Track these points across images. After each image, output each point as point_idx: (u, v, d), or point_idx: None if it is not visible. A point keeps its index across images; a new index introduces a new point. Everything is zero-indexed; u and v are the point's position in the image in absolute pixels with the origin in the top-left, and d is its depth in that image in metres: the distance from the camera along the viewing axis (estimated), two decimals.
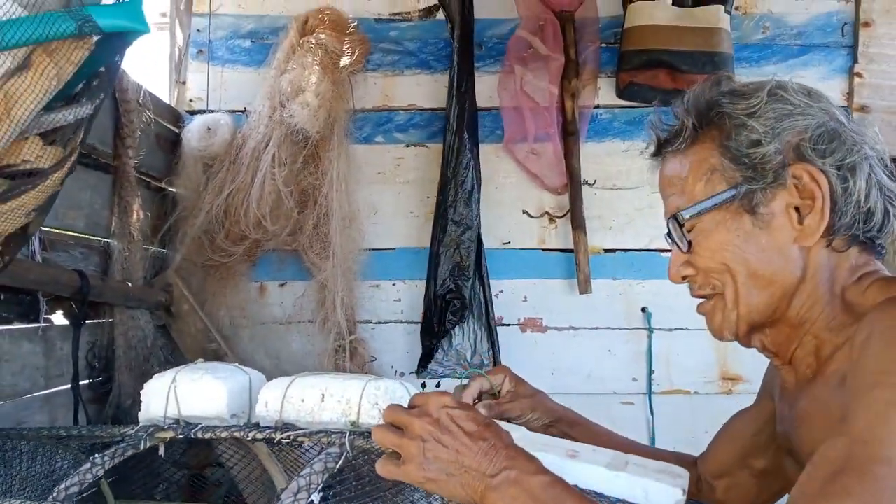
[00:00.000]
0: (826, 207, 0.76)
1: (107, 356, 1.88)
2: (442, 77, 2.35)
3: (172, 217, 2.23)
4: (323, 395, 0.94)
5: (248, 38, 2.42)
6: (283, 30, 2.32)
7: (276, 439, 0.90)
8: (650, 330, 2.27)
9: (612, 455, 0.83)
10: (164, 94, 2.38)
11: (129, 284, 1.90)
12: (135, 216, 1.98)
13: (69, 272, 1.63)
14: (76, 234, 1.80)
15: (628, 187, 2.33)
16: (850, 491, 0.59)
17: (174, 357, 2.08)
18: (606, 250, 2.33)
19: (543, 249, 2.35)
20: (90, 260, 1.87)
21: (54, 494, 0.87)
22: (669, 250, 0.89)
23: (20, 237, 0.70)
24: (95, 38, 0.61)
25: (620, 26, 2.30)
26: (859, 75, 2.34)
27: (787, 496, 0.72)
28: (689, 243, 0.83)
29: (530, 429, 0.98)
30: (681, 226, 0.84)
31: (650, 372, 2.25)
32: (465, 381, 1.00)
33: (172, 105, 2.38)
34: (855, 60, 2.35)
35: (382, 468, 0.75)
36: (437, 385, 2.20)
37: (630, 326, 2.29)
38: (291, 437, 0.89)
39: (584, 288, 2.25)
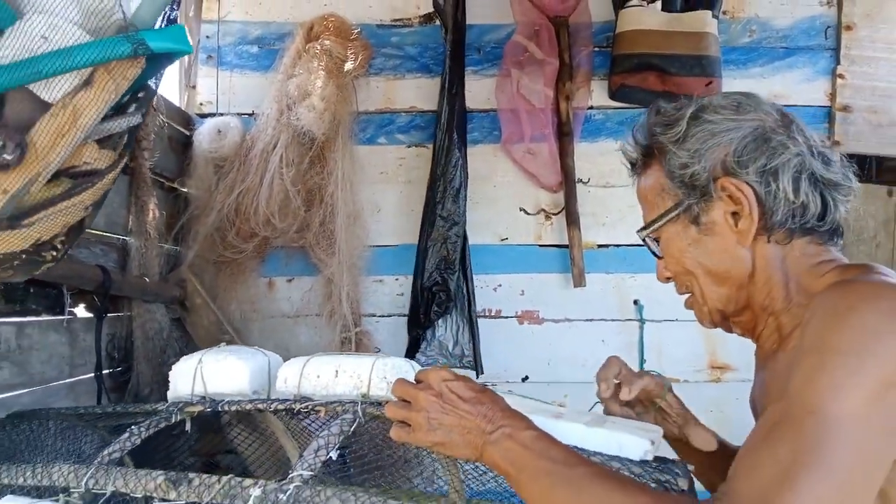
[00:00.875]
0: (754, 211, 0.85)
1: (126, 347, 1.99)
2: (440, 81, 2.45)
3: (185, 216, 2.33)
4: (336, 371, 1.05)
5: (256, 44, 2.53)
6: (289, 36, 2.42)
7: (296, 409, 1.00)
8: (642, 321, 2.38)
9: (593, 415, 0.93)
10: (175, 98, 2.49)
11: (147, 279, 2.01)
12: (151, 215, 2.08)
13: (93, 267, 1.74)
14: (97, 232, 1.91)
15: (621, 185, 2.43)
16: (783, 437, 0.69)
17: (188, 348, 2.18)
18: (600, 245, 2.43)
19: (540, 245, 2.46)
20: (109, 256, 1.97)
21: (98, 459, 0.97)
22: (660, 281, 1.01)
23: (77, 229, 0.80)
24: (144, 58, 0.71)
25: (612, 31, 2.40)
26: (842, 76, 2.44)
27: None
28: (659, 253, 0.95)
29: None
30: (647, 241, 0.96)
31: (642, 361, 2.35)
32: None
33: (183, 109, 2.49)
34: (837, 62, 2.45)
35: (396, 434, 0.86)
36: None
37: (623, 318, 2.39)
38: (310, 407, 0.99)
39: (579, 282, 2.35)
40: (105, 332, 1.90)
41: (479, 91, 2.47)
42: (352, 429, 0.90)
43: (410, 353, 2.28)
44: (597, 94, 2.47)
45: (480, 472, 1.08)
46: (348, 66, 2.30)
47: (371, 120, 2.49)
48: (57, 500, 0.92)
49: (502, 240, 2.46)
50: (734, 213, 0.88)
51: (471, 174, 2.38)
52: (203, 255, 2.30)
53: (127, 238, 2.05)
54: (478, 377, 2.25)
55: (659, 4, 2.32)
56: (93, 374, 1.80)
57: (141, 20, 0.70)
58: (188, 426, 1.14)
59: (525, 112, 2.41)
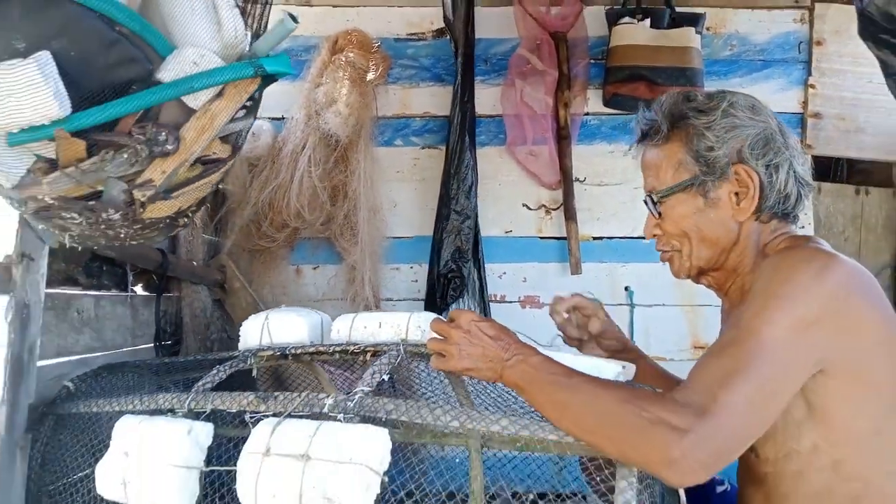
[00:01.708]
0: (756, 195, 1.08)
1: (176, 322, 2.25)
2: (451, 89, 2.72)
3: (223, 209, 2.60)
4: (380, 324, 1.31)
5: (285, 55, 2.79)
6: (314, 48, 2.69)
7: (350, 350, 1.26)
8: (632, 306, 2.65)
9: (576, 351, 1.19)
10: None
11: (194, 263, 2.28)
12: None
13: (154, 250, 2.01)
14: None
15: (613, 183, 2.71)
16: (729, 352, 0.95)
17: (228, 326, 2.45)
18: (595, 238, 2.70)
19: (540, 237, 2.73)
20: (162, 243, 2.23)
21: (195, 388, 1.23)
22: (646, 238, 1.25)
23: (201, 203, 1.05)
24: (260, 78, 0.97)
25: (606, 45, 2.68)
26: (813, 87, 2.72)
27: None
28: (660, 213, 1.17)
29: (602, 349, 1.34)
30: (654, 202, 1.17)
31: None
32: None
33: None
34: (809, 74, 2.72)
35: (435, 364, 1.11)
36: None
37: (615, 303, 2.66)
38: (361, 348, 1.25)
39: (576, 270, 2.62)
40: (161, 309, 2.16)
41: (486, 98, 2.74)
42: (397, 361, 1.17)
43: None
44: (592, 102, 2.74)
45: None
46: (370, 75, 2.58)
47: (389, 124, 2.77)
48: (166, 415, 1.18)
49: (507, 232, 2.73)
50: (737, 194, 1.09)
51: (479, 173, 2.66)
52: (239, 244, 2.57)
53: None
54: None
55: (648, 22, 2.60)
56: (152, 344, 2.06)
57: (259, 50, 0.96)
58: (255, 373, 1.40)
59: (528, 118, 2.68)
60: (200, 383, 1.25)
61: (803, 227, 2.71)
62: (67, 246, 1.01)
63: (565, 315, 1.36)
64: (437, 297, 2.53)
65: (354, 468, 0.94)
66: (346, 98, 2.50)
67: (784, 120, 2.66)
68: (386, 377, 1.12)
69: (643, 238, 1.30)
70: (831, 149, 2.73)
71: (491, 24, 2.73)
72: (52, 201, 0.89)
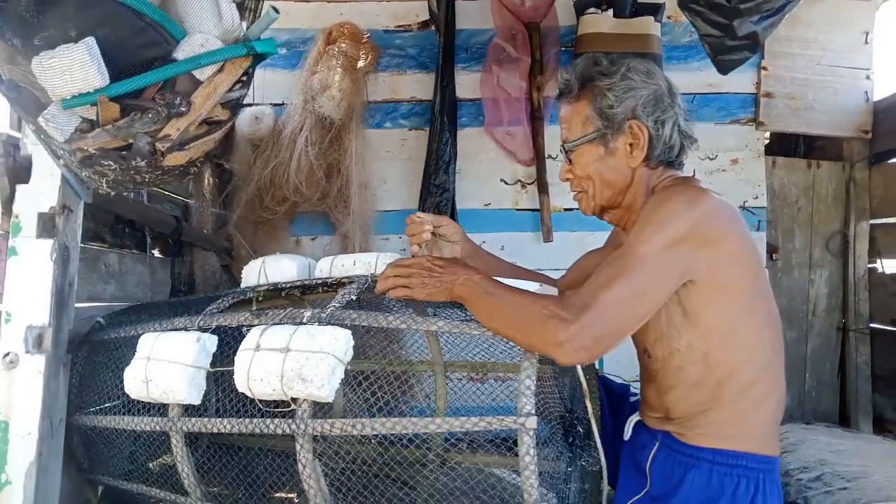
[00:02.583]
0: (645, 145, 1.32)
1: (188, 283, 2.55)
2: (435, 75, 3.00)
3: (230, 186, 2.89)
4: (354, 262, 1.60)
5: (284, 47, 3.08)
6: (311, 40, 2.97)
7: (331, 281, 1.54)
8: None
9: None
10: None
11: (205, 231, 2.57)
12: (206, 182, 2.65)
13: (169, 216, 2.31)
14: (167, 193, 2.47)
15: None
16: (612, 265, 1.20)
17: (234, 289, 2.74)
18: (566, 209, 2.97)
19: (516, 209, 3.01)
20: (176, 213, 2.53)
21: (205, 311, 1.52)
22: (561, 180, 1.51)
23: (208, 156, 1.33)
24: (252, 56, 1.25)
25: (575, 33, 2.94)
26: (765, 69, 2.97)
27: None
28: (571, 160, 1.43)
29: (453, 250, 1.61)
30: (566, 150, 1.42)
31: None
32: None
33: None
34: (762, 57, 2.97)
35: (398, 294, 1.37)
36: None
37: None
38: (340, 279, 1.53)
39: (548, 238, 2.90)
40: (175, 270, 2.46)
41: (467, 84, 3.01)
42: (364, 286, 1.45)
43: None
44: None
45: None
46: (360, 63, 2.85)
47: (379, 108, 3.05)
48: (179, 331, 1.47)
49: (486, 205, 3.01)
50: (631, 145, 1.33)
51: (460, 152, 2.94)
52: (245, 217, 2.86)
53: (188, 200, 2.61)
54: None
55: (611, 12, 2.86)
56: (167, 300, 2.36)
57: (252, 34, 1.24)
58: (254, 306, 1.69)
59: (504, 101, 2.95)
60: (208, 308, 1.54)
61: (756, 197, 2.96)
62: (105, 191, 1.29)
63: (426, 237, 1.57)
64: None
65: (323, 356, 1.22)
66: (338, 84, 2.78)
67: (739, 99, 2.99)
68: (354, 297, 1.40)
69: None
70: (783, 125, 2.98)
71: (470, 16, 3.00)
72: (94, 151, 1.17)
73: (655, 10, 2.85)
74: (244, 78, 1.29)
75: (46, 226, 1.53)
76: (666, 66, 2.89)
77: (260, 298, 1.65)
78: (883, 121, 2.95)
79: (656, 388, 1.35)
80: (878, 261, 3.00)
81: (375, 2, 3.07)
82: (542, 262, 2.93)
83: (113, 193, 1.37)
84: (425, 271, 1.34)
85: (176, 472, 1.45)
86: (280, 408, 1.30)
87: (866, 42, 2.99)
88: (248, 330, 1.39)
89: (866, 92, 2.99)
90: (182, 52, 1.19)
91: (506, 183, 3.02)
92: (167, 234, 2.33)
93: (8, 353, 1.51)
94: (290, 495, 1.57)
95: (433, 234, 1.59)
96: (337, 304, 1.38)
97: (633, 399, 1.61)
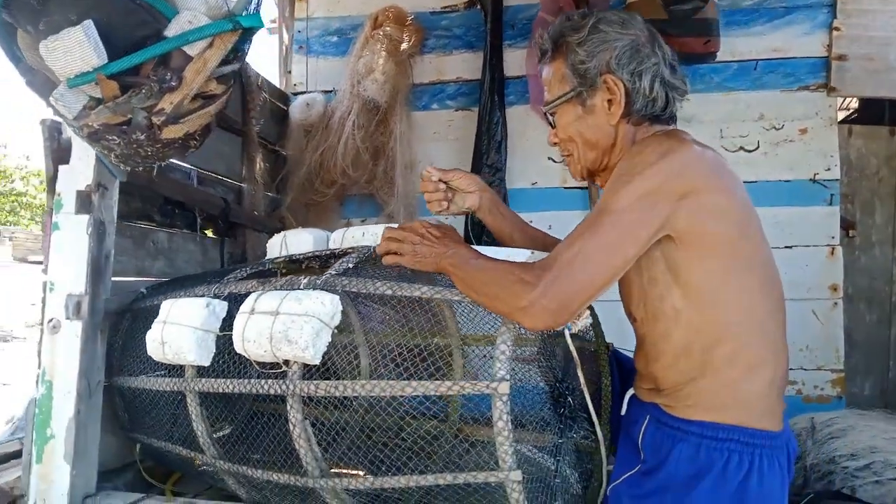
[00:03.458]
0: (622, 100, 1.25)
1: (241, 262, 2.68)
2: (482, 55, 2.97)
3: (284, 170, 3.02)
4: (363, 233, 1.64)
5: (335, 35, 3.17)
6: (360, 26, 3.04)
7: (339, 252, 1.57)
8: None
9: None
10: (276, 81, 3.18)
11: (256, 213, 2.70)
12: (258, 166, 2.77)
13: (217, 197, 2.44)
14: (219, 177, 2.61)
15: None
16: (583, 223, 1.14)
17: None
18: None
19: (564, 188, 2.93)
20: (228, 196, 2.67)
21: (229, 276, 1.61)
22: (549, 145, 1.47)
23: (206, 130, 1.41)
24: (239, 31, 1.31)
25: (624, 3, 2.82)
26: (838, 29, 2.71)
27: None
28: (553, 123, 1.38)
29: (471, 200, 1.59)
30: (547, 114, 1.37)
31: None
32: None
33: (282, 89, 3.18)
34: (834, 16, 2.72)
35: (390, 260, 1.38)
36: None
37: None
38: (350, 248, 1.56)
39: None
40: (226, 251, 2.60)
41: (513, 61, 2.96)
42: (365, 256, 1.47)
43: None
44: None
45: None
46: (404, 46, 2.89)
47: (425, 90, 3.07)
48: (194, 297, 1.56)
49: (533, 184, 2.96)
50: (609, 101, 1.25)
51: (508, 131, 2.90)
52: (297, 200, 2.98)
53: (241, 184, 2.75)
54: None
55: None
56: None
57: (238, 8, 1.30)
58: (279, 275, 1.76)
59: None
60: (226, 278, 1.63)
61: (829, 168, 2.72)
62: (115, 164, 1.39)
63: (442, 186, 1.57)
64: (472, 245, 2.80)
65: (308, 318, 1.26)
66: (382, 67, 2.83)
67: (807, 64, 2.77)
68: (351, 265, 1.42)
69: None
70: (859, 90, 2.73)
71: None
72: (98, 127, 1.27)
73: None
74: (239, 54, 1.33)
75: (83, 202, 1.67)
76: (726, 32, 2.71)
77: (284, 271, 1.72)
78: None
79: (644, 355, 1.28)
80: None
81: None
82: None
83: (154, 173, 1.47)
84: (417, 237, 1.34)
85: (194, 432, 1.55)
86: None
87: None
88: None
89: None
90: (172, 30, 1.26)
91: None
92: (216, 215, 2.46)
93: (52, 319, 1.67)
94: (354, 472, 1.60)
95: (448, 187, 1.58)
96: (333, 272, 1.41)
97: None
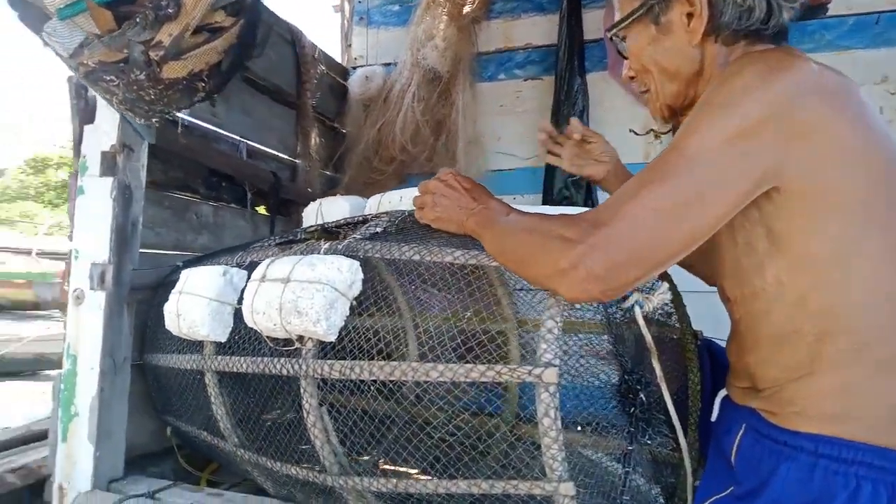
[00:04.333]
0: (704, 11, 0.97)
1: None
2: (554, 17, 2.70)
3: (342, 148, 2.87)
4: (401, 197, 1.42)
5: (397, 3, 2.98)
6: None
7: (371, 217, 1.37)
8: None
9: None
10: (336, 56, 3.04)
11: (310, 189, 2.55)
12: (312, 141, 2.63)
13: (267, 171, 2.31)
14: (272, 152, 2.48)
15: None
16: (648, 167, 0.89)
17: None
18: None
19: (648, 163, 2.60)
20: (282, 173, 2.54)
21: (255, 245, 1.45)
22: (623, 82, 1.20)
23: (217, 70, 1.25)
24: None
25: None
26: None
27: None
28: (624, 52, 1.10)
29: (597, 161, 1.42)
30: (614, 39, 1.11)
31: None
32: None
33: (343, 64, 3.03)
34: None
35: (417, 215, 1.19)
36: None
37: None
38: (381, 215, 1.36)
39: None
40: (280, 229, 2.47)
41: (589, 24, 2.67)
42: (396, 221, 1.26)
43: None
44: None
45: None
46: (467, 9, 2.66)
47: (491, 59, 2.82)
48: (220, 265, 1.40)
49: None
50: (688, 14, 0.99)
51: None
52: (355, 178, 2.82)
53: (295, 160, 2.61)
54: None
55: None
56: None
57: None
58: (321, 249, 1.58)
59: None
60: (252, 247, 1.46)
61: None
62: (118, 109, 1.25)
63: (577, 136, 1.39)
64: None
65: (320, 287, 1.06)
66: (443, 32, 2.61)
67: None
68: (379, 230, 1.21)
69: None
70: None
71: None
72: (94, 65, 1.13)
73: None
74: None
75: (108, 164, 1.55)
76: None
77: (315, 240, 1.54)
78: None
79: (737, 344, 0.99)
80: None
81: None
82: None
83: (179, 131, 1.30)
84: (443, 187, 1.13)
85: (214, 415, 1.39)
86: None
87: None
88: None
89: None
90: None
91: (635, 133, 2.62)
92: (265, 190, 2.33)
93: (76, 289, 1.56)
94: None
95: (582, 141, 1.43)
96: (358, 236, 1.20)
97: None
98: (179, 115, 1.87)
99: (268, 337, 1.17)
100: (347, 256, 1.13)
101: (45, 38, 1.13)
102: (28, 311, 8.26)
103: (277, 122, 2.50)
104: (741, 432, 0.94)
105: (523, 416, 1.52)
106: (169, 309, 1.37)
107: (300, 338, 1.13)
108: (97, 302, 1.54)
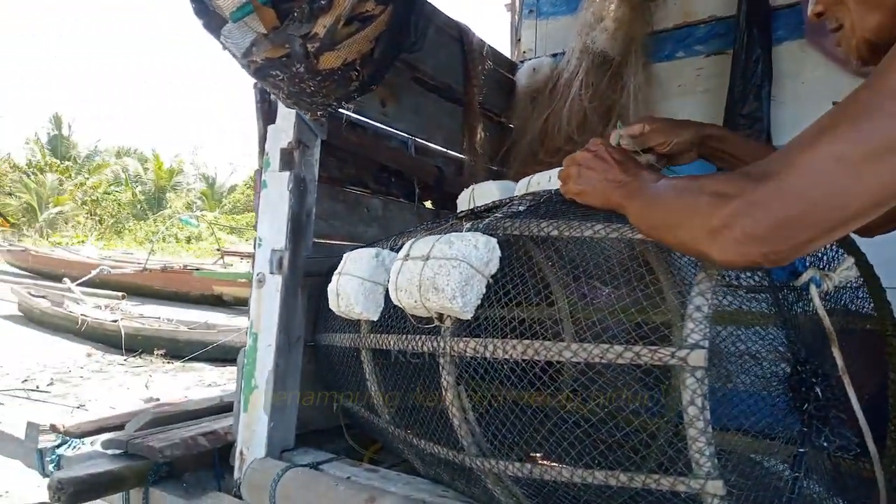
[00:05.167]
0: None
1: None
2: None
3: (508, 142, 2.86)
4: (550, 178, 1.37)
5: None
6: None
7: (519, 197, 1.34)
8: None
9: None
10: (506, 51, 3.05)
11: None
12: (478, 137, 2.66)
13: (432, 166, 2.38)
14: (439, 148, 2.55)
15: None
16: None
17: None
18: None
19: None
20: (448, 167, 2.60)
21: (410, 230, 1.50)
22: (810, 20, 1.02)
23: (370, 59, 1.30)
24: None
25: None
26: None
27: None
28: None
29: (679, 152, 1.21)
30: None
31: None
32: None
33: (513, 59, 3.03)
34: None
35: (562, 189, 1.13)
36: None
37: None
38: (526, 196, 1.32)
39: None
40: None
41: None
42: (541, 200, 1.21)
43: None
44: None
45: None
46: None
47: (668, 37, 2.63)
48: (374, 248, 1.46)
49: None
50: None
51: (775, 74, 2.33)
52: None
53: (462, 156, 2.66)
54: None
55: None
56: None
57: None
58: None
59: None
60: (406, 232, 1.51)
61: None
62: (288, 105, 1.36)
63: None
64: None
65: (456, 263, 1.05)
66: (613, 13, 2.49)
67: None
68: (522, 208, 1.18)
69: None
70: None
71: None
72: (261, 62, 1.24)
73: None
74: None
75: (286, 160, 1.70)
76: None
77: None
78: None
79: None
80: None
81: None
82: None
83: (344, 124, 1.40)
84: (591, 158, 1.05)
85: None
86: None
87: None
88: None
89: None
90: None
91: None
92: (431, 184, 2.40)
93: (258, 274, 1.73)
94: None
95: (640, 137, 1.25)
96: (499, 214, 1.18)
97: None
98: (352, 114, 2.00)
99: (411, 315, 1.19)
100: (485, 234, 1.11)
101: (223, 42, 1.27)
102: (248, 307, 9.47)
103: (445, 119, 2.56)
104: None
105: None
106: (330, 288, 1.46)
107: (440, 316, 1.13)
108: (275, 285, 1.70)
